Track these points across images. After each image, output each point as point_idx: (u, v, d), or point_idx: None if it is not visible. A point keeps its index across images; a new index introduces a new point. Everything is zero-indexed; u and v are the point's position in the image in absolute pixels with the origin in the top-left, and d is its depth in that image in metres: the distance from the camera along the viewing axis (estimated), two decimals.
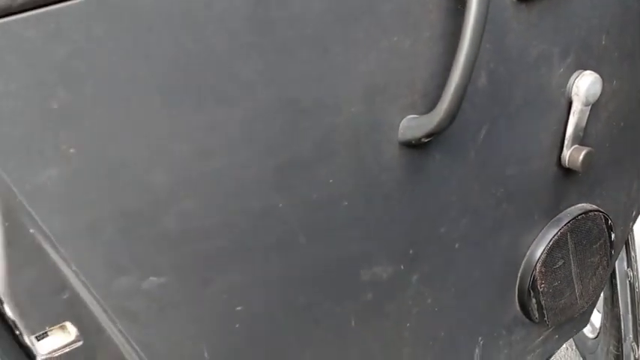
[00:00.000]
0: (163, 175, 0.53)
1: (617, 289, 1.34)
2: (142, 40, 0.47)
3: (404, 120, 0.68)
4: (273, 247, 0.64)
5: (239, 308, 0.64)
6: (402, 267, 0.78)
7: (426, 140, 0.68)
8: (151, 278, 0.56)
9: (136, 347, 0.57)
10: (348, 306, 0.75)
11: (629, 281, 1.28)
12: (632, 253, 1.26)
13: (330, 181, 0.65)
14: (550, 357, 1.20)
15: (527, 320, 1.04)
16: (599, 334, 1.69)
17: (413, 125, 0.67)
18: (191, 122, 0.52)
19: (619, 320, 1.38)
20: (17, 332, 0.60)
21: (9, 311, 0.52)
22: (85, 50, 0.45)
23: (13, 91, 0.43)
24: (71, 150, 0.47)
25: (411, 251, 0.78)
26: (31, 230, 0.48)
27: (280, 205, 0.62)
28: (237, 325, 0.64)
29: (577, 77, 0.85)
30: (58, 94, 0.45)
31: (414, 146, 0.71)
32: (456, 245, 0.84)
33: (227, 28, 0.51)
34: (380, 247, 0.74)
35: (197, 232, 0.57)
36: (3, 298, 0.50)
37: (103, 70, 0.46)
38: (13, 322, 0.59)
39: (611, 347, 1.58)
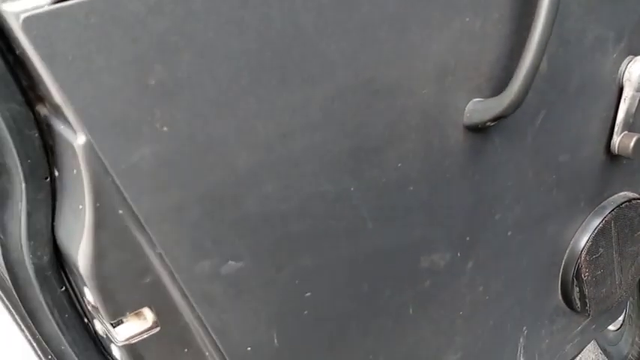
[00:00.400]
0: (247, 156, 0.52)
1: None
2: (236, 15, 0.47)
3: (470, 103, 0.68)
4: (343, 233, 0.64)
5: (308, 294, 0.63)
6: (458, 254, 0.79)
7: (492, 124, 0.68)
8: (230, 262, 0.55)
9: (212, 334, 0.57)
10: (408, 293, 0.75)
11: None
12: None
13: (399, 165, 0.65)
14: (585, 347, 1.21)
15: (568, 310, 1.05)
16: (621, 325, 1.71)
17: (480, 108, 0.67)
18: (275, 102, 0.52)
19: None
20: (86, 320, 0.59)
21: (91, 296, 0.51)
22: (184, 25, 0.44)
23: (114, 67, 0.42)
24: (164, 128, 0.46)
25: (467, 238, 0.79)
26: (120, 211, 0.48)
27: (352, 189, 0.62)
28: (305, 312, 0.64)
29: (629, 63, 0.86)
30: (155, 70, 0.44)
31: (477, 130, 0.71)
32: (509, 233, 0.85)
33: (315, 4, 0.50)
34: (440, 233, 0.75)
35: (275, 216, 0.57)
36: (87, 282, 0.50)
37: (198, 46, 0.46)
38: (83, 309, 0.59)
39: (636, 338, 1.60)
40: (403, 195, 0.68)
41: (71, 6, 0.39)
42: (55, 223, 0.51)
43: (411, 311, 0.77)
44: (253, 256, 0.57)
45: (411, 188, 0.68)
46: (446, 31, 0.62)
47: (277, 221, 0.57)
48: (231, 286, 0.56)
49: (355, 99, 0.58)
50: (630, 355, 1.68)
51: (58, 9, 0.38)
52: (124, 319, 0.54)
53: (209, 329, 0.57)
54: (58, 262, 0.54)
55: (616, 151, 0.90)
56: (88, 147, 0.44)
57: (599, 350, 2.01)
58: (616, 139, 0.90)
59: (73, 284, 0.56)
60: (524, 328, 0.99)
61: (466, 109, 0.69)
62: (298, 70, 0.52)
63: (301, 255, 0.61)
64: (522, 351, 1.00)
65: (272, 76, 0.51)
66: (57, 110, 0.44)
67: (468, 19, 0.63)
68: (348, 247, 0.65)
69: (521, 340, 0.99)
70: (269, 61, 0.50)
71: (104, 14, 0.40)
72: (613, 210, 0.98)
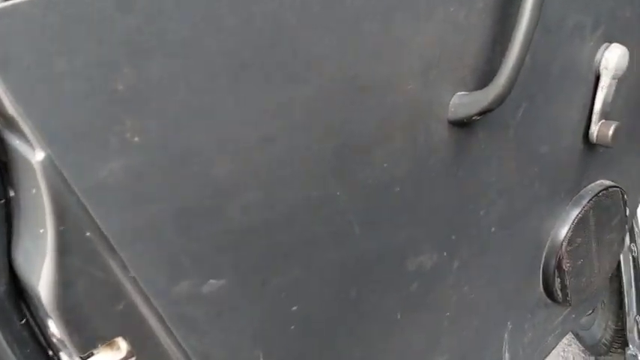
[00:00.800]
0: (228, 164, 0.50)
1: (619, 264, 1.42)
2: (213, 12, 0.44)
3: (455, 97, 0.68)
4: (330, 239, 0.62)
5: (295, 308, 0.62)
6: (445, 254, 0.79)
7: (478, 118, 0.68)
8: (211, 281, 0.53)
9: (193, 359, 0.54)
10: (395, 298, 0.74)
11: (633, 256, 1.35)
12: (636, 229, 1.33)
13: (385, 165, 0.64)
14: (565, 336, 1.25)
15: (549, 301, 1.08)
16: (593, 310, 1.79)
17: (466, 102, 0.67)
18: (257, 103, 0.50)
19: (620, 295, 1.46)
20: (51, 353, 0.55)
21: (56, 329, 0.48)
22: (155, 23, 0.41)
23: (78, 70, 0.38)
24: (135, 138, 0.43)
25: (453, 237, 0.79)
26: (88, 234, 0.44)
27: (338, 193, 0.60)
28: (292, 327, 0.62)
29: (605, 50, 0.88)
30: (124, 74, 0.41)
31: (461, 125, 0.71)
32: (493, 229, 0.85)
33: None
34: (426, 234, 0.74)
35: (258, 227, 0.54)
36: (51, 314, 0.46)
37: (171, 46, 0.42)
38: (47, 341, 0.55)
39: (609, 322, 1.67)
40: (390, 196, 0.67)
41: (26, 3, 0.35)
42: (11, 250, 0.47)
43: (398, 316, 0.76)
44: (236, 271, 0.54)
45: (397, 189, 0.67)
46: (430, 23, 0.61)
47: (261, 232, 0.55)
48: (213, 306, 0.54)
49: (340, 97, 0.56)
50: (604, 339, 1.76)
51: (11, 7, 0.34)
52: (95, 351, 0.51)
53: (190, 354, 0.54)
54: (17, 292, 0.50)
55: (594, 140, 0.93)
56: (49, 163, 0.40)
57: (572, 335, 2.09)
58: (594, 128, 0.92)
59: (35, 315, 0.52)
60: (509, 323, 1.01)
61: (451, 103, 0.68)
62: (281, 69, 0.50)
63: (287, 266, 0.59)
64: (507, 347, 1.02)
65: (253, 76, 0.48)
66: (11, 123, 0.40)
67: (452, 9, 0.63)
68: (335, 254, 0.64)
69: (505, 336, 1.01)
70: (249, 60, 0.47)
71: (65, 12, 0.37)
72: (591, 199, 1.01)
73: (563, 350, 2.12)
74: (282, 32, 0.48)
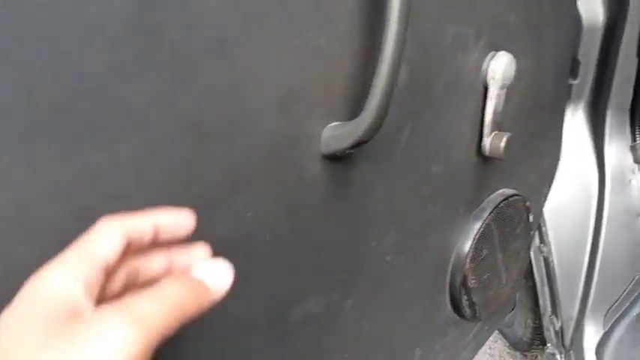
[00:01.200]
0: (31, 251, 0.42)
1: (531, 264, 1.47)
2: None
3: (325, 130, 0.64)
4: None
5: None
6: (334, 295, 0.75)
7: (352, 151, 0.64)
8: None
9: None
10: (281, 354, 0.70)
11: (543, 256, 1.40)
12: (544, 229, 1.37)
13: (248, 215, 0.59)
14: (481, 348, 1.27)
15: (458, 319, 1.08)
16: (513, 308, 1.86)
17: (338, 134, 0.63)
18: (66, 172, 0.43)
19: (535, 294, 1.51)
20: None
21: None
22: None
23: None
24: None
25: (342, 276, 0.75)
26: None
27: None
28: None
29: (491, 59, 0.88)
30: None
31: (337, 158, 0.67)
32: (387, 257, 0.83)
33: (104, 40, 0.41)
34: (309, 279, 0.70)
35: None
36: None
37: None
38: None
39: (528, 320, 1.74)
40: (258, 247, 0.62)
41: None
42: None
43: None
44: None
45: (268, 237, 0.62)
46: (286, 52, 0.56)
47: None
48: None
49: (181, 148, 0.50)
50: (525, 337, 1.83)
51: None
52: None
53: None
54: None
55: (487, 153, 0.93)
56: None
57: (497, 332, 2.17)
58: (487, 141, 0.92)
59: None
60: (417, 349, 1.00)
61: (322, 136, 0.64)
62: (92, 125, 0.43)
63: None
64: None
65: (54, 140, 0.41)
66: None
67: (311, 35, 0.58)
68: (192, 323, 0.58)
69: None
70: (46, 121, 0.40)
71: None
72: (492, 211, 1.02)
73: (490, 347, 2.19)
74: (86, 83, 0.41)
